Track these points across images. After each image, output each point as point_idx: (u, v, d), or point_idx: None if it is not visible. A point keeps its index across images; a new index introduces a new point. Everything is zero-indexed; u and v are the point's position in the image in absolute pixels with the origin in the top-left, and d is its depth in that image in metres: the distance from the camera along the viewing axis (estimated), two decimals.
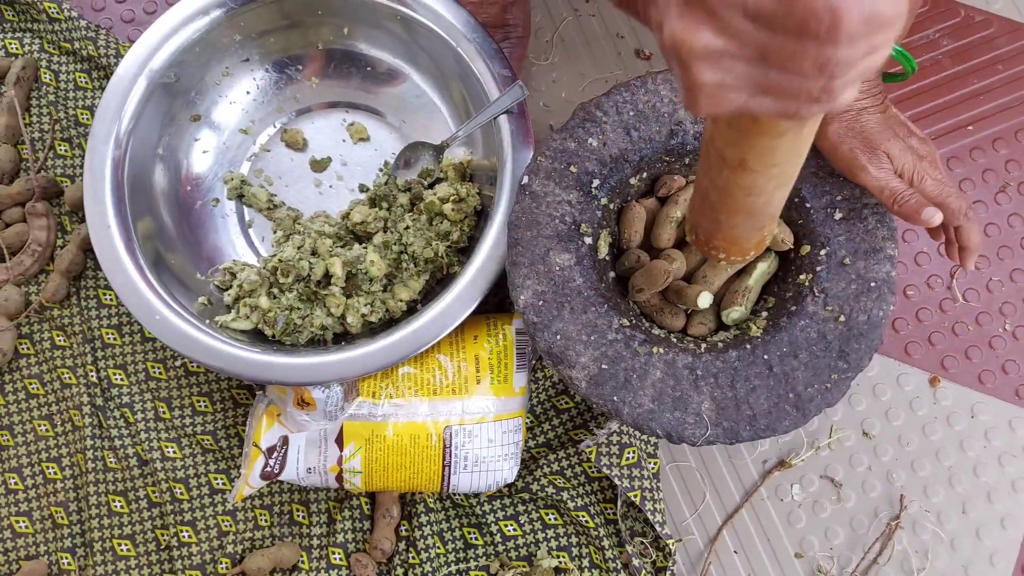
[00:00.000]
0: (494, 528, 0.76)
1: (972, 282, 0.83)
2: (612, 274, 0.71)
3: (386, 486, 0.73)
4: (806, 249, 0.68)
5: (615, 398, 0.63)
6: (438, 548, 0.76)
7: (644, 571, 0.74)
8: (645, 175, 0.71)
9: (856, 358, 0.64)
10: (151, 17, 0.90)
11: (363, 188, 0.83)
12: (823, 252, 0.67)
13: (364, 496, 0.78)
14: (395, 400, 0.72)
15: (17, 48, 0.87)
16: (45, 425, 0.80)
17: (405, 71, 0.83)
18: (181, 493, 0.77)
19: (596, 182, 0.68)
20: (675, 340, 0.68)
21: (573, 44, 0.89)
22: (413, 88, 0.84)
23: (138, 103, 0.75)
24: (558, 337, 0.64)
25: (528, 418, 0.79)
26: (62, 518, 0.78)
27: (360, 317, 0.74)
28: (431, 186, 0.80)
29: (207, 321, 0.72)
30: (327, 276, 0.74)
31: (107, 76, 0.86)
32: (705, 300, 0.67)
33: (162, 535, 0.78)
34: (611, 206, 0.70)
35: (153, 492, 0.78)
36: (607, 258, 0.70)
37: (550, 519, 0.76)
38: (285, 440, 0.72)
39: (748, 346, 0.65)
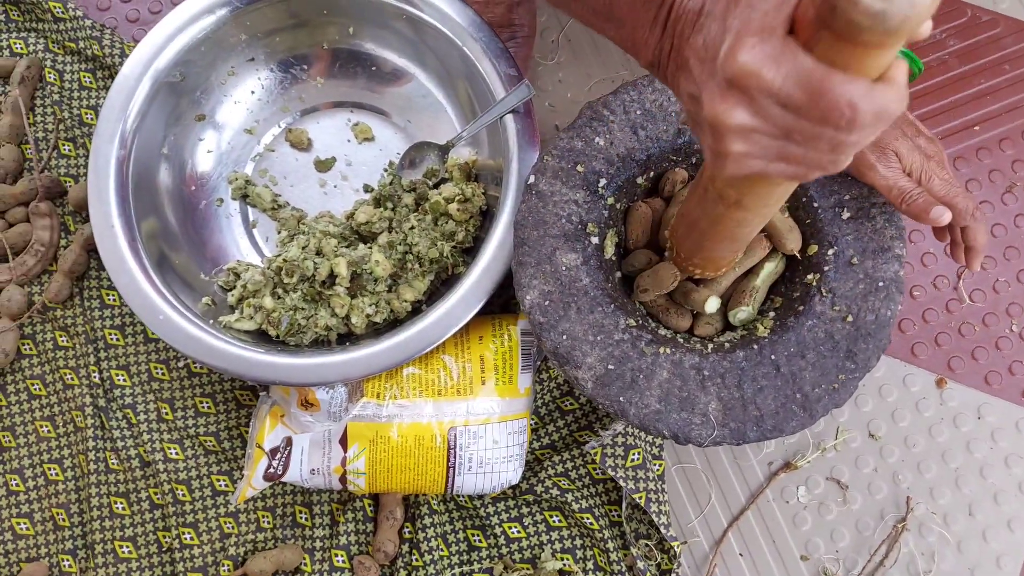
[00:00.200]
0: (498, 530, 0.76)
1: (979, 283, 0.83)
2: (619, 274, 0.70)
3: (390, 487, 0.73)
4: (814, 249, 0.67)
5: (621, 399, 0.63)
6: (442, 550, 0.76)
7: (649, 573, 0.73)
8: (652, 174, 0.70)
9: (864, 358, 0.63)
10: (156, 17, 0.90)
11: (368, 188, 0.83)
12: (831, 252, 0.66)
13: (367, 498, 0.77)
14: (399, 401, 0.71)
15: (22, 47, 0.87)
16: (47, 426, 0.80)
17: (411, 71, 0.83)
18: (183, 495, 0.76)
19: (603, 181, 0.68)
20: (682, 340, 0.67)
21: (579, 44, 0.89)
22: (419, 88, 0.83)
23: (143, 102, 0.75)
24: (564, 337, 0.64)
25: (533, 419, 0.79)
26: (63, 520, 0.78)
27: (365, 317, 0.74)
28: (436, 186, 0.80)
29: (211, 321, 0.72)
30: (332, 276, 0.74)
31: (112, 76, 0.86)
32: (712, 305, 0.67)
33: (164, 537, 0.77)
34: (618, 206, 0.69)
35: (155, 494, 0.77)
36: (614, 258, 0.69)
37: (554, 521, 0.76)
38: (289, 441, 0.72)
39: (755, 346, 0.64)
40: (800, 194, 0.68)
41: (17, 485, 0.79)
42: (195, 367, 0.80)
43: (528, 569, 0.75)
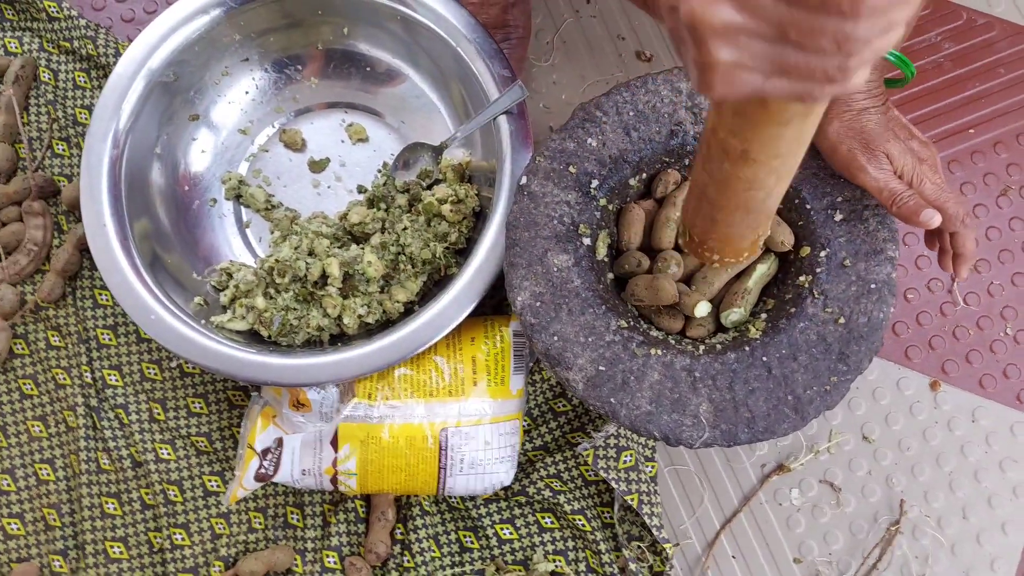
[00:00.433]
0: (490, 531, 0.76)
1: (973, 286, 0.83)
2: (610, 275, 0.70)
3: (381, 488, 0.73)
4: (806, 251, 0.67)
5: (612, 400, 0.63)
6: (433, 552, 0.76)
7: (641, 575, 0.73)
8: (645, 176, 0.70)
9: (856, 360, 0.63)
10: (151, 16, 0.90)
11: (361, 189, 0.83)
12: (823, 254, 0.66)
13: (359, 499, 0.77)
14: (391, 402, 0.71)
15: (16, 47, 0.87)
16: (39, 426, 0.80)
17: (405, 71, 0.83)
18: (175, 495, 0.76)
19: (595, 183, 0.68)
20: (673, 342, 0.67)
21: (574, 46, 0.89)
22: (412, 88, 0.83)
23: (136, 102, 0.75)
24: (555, 338, 0.64)
25: (525, 421, 0.79)
26: (54, 520, 0.78)
27: (357, 318, 0.74)
28: (430, 187, 0.80)
29: (203, 321, 0.72)
30: (324, 277, 0.74)
31: (106, 75, 0.86)
32: (703, 310, 0.67)
33: (155, 537, 0.77)
34: (610, 207, 0.69)
35: (147, 494, 0.77)
36: (605, 259, 0.69)
37: (547, 523, 0.76)
38: (280, 442, 0.72)
39: (747, 348, 0.64)
40: (792, 196, 0.68)
41: (8, 485, 0.78)
42: (187, 367, 0.80)
43: (520, 570, 0.74)
